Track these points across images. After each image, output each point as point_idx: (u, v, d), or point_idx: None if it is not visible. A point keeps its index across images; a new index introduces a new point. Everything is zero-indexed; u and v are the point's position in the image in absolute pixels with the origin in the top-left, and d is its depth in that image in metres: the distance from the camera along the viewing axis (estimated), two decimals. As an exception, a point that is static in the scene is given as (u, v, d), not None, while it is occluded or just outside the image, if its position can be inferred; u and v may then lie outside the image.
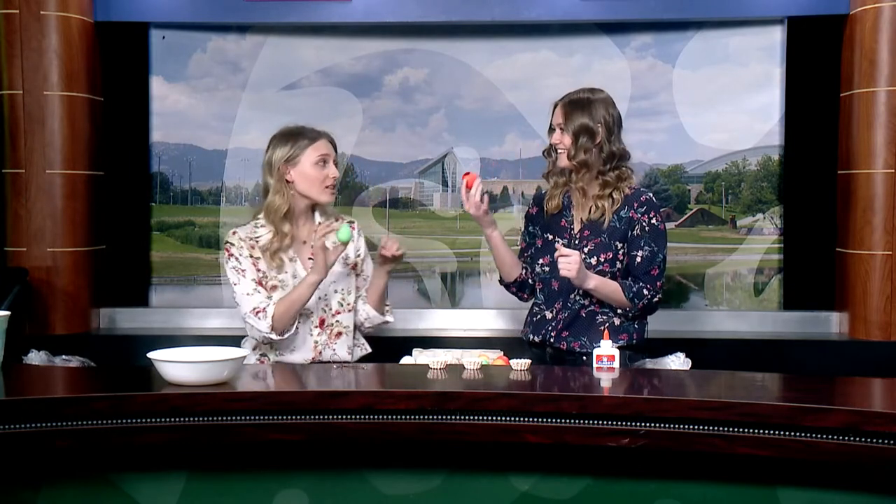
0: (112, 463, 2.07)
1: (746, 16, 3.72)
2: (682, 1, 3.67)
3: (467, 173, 2.80)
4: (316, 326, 2.79)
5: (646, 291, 2.70)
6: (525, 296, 2.95)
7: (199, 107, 3.89)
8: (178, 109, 3.89)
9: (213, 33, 3.86)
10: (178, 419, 2.01)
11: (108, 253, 3.82)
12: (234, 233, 2.79)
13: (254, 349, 2.81)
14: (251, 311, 2.69)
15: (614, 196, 2.74)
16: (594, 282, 2.68)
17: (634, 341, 2.76)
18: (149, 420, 2.00)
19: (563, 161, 2.76)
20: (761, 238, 3.84)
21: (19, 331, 3.27)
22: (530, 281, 2.91)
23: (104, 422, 1.99)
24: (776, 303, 3.82)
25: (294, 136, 2.78)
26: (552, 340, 2.79)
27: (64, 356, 3.08)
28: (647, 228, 2.72)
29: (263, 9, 3.72)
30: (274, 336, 2.68)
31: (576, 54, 3.82)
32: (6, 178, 3.59)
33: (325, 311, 2.80)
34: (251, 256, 2.75)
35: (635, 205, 2.74)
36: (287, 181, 2.76)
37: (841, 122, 3.65)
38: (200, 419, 2.02)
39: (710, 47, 3.78)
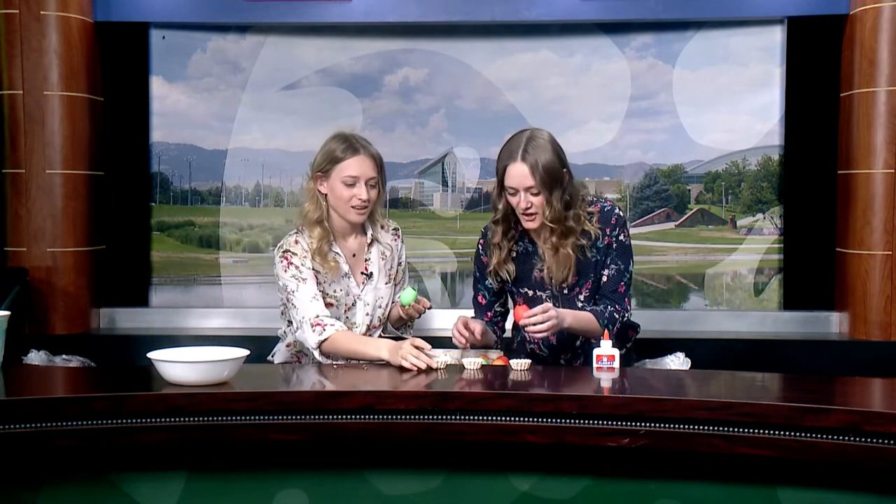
0: (112, 463, 2.07)
1: (746, 16, 3.71)
2: (682, 1, 3.67)
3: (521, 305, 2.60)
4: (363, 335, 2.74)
5: (616, 315, 2.61)
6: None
7: (199, 107, 3.89)
8: (178, 109, 3.88)
9: (213, 33, 3.86)
10: (178, 419, 2.01)
11: (108, 253, 3.82)
12: (296, 242, 2.67)
13: (288, 345, 2.80)
14: (312, 318, 2.58)
15: (592, 233, 2.61)
16: (569, 320, 2.54)
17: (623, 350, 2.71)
18: (149, 420, 2.01)
19: (535, 223, 2.57)
20: (761, 238, 3.84)
21: (19, 331, 3.27)
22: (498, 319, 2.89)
23: (104, 422, 2.00)
24: (776, 303, 3.82)
25: (333, 148, 2.66)
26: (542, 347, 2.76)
27: (64, 356, 3.09)
28: (614, 246, 2.64)
29: (263, 9, 3.72)
30: (315, 353, 2.61)
31: (576, 54, 3.82)
32: (6, 178, 3.59)
33: (368, 323, 2.78)
34: (313, 269, 2.67)
35: (608, 230, 2.63)
36: (320, 191, 2.69)
37: (841, 122, 3.64)
38: (200, 419, 2.02)
39: (710, 47, 3.77)
